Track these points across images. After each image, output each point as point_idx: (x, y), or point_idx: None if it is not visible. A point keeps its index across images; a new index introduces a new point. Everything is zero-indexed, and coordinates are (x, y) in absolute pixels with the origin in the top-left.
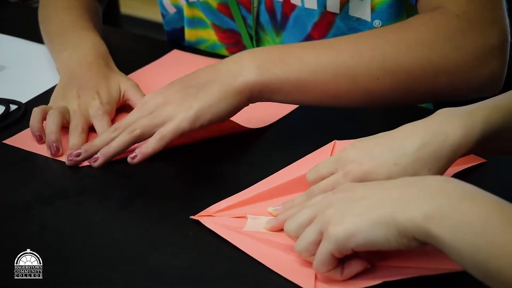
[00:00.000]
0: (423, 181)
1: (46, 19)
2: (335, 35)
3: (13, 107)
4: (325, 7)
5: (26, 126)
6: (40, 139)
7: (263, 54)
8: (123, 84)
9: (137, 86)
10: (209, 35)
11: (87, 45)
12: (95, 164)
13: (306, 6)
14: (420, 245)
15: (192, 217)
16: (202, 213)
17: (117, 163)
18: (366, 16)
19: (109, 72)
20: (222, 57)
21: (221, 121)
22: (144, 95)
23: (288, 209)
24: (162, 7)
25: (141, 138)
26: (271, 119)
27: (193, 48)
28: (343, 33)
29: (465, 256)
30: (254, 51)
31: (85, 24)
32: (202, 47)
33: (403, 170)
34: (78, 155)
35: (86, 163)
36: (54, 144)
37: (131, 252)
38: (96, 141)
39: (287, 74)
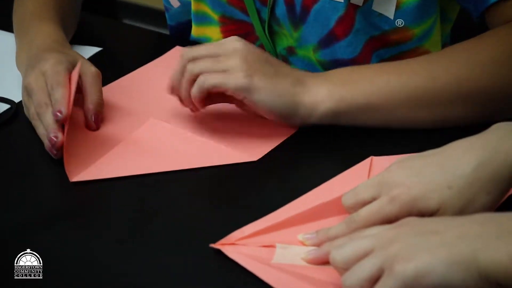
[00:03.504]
0: (505, 216)
1: (14, 9)
2: (357, 32)
3: (3, 106)
4: None
5: (18, 127)
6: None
7: (334, 76)
8: (84, 65)
9: (98, 76)
10: (213, 33)
11: (41, 37)
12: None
13: None
14: None
15: (212, 245)
16: (223, 240)
17: (128, 181)
18: (389, 13)
19: (65, 49)
20: None
21: (267, 114)
22: (100, 88)
23: (327, 238)
24: (166, 0)
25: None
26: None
27: (196, 44)
28: (363, 30)
29: None
30: (326, 73)
31: (46, 14)
32: None
33: (458, 194)
34: (56, 138)
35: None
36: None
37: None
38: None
39: (357, 98)
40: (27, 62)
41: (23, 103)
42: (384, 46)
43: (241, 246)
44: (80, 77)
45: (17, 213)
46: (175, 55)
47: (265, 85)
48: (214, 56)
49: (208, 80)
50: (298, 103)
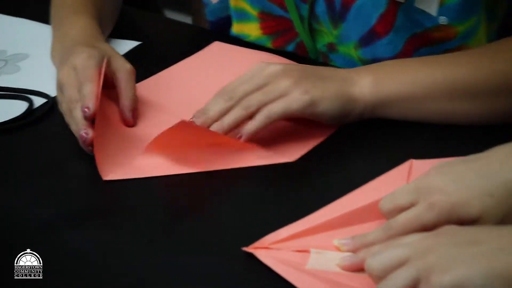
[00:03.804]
0: None
1: (52, 1)
2: (398, 29)
3: (40, 100)
4: None
5: (54, 121)
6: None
7: (380, 68)
8: (115, 61)
9: (133, 73)
10: (251, 30)
11: (75, 31)
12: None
13: None
14: None
15: (245, 248)
16: (256, 244)
17: (159, 179)
18: (432, 9)
19: (99, 43)
20: (266, 49)
21: (327, 121)
22: (134, 86)
23: (363, 244)
24: None
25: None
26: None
27: (235, 39)
28: (405, 27)
29: None
30: (372, 65)
31: (82, 7)
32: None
33: (500, 203)
34: (86, 134)
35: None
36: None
37: None
38: (210, 111)
39: (401, 89)
40: (60, 56)
41: (57, 98)
42: (426, 44)
43: (275, 251)
44: (114, 73)
45: (44, 209)
46: (214, 51)
47: (322, 94)
48: (260, 87)
49: (273, 110)
50: (353, 100)
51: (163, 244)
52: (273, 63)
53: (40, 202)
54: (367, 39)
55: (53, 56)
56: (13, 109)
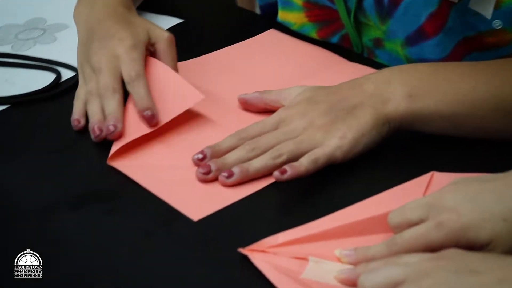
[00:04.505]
0: None
1: None
2: (449, 31)
3: (67, 73)
4: None
5: None
6: (79, 123)
7: (415, 78)
8: (153, 32)
9: (171, 40)
10: (297, 18)
11: (103, 1)
12: (229, 181)
13: None
14: None
15: (241, 250)
16: (254, 246)
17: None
18: (487, 12)
19: (133, 17)
20: (314, 41)
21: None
22: (174, 53)
23: (364, 257)
24: None
25: (285, 164)
26: None
27: (287, 28)
28: (456, 29)
29: None
30: (405, 70)
31: None
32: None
33: None
34: (114, 126)
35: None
36: (96, 125)
37: (156, 285)
38: (229, 159)
39: (440, 106)
40: (88, 25)
41: (79, 71)
42: (478, 49)
43: (271, 255)
44: (153, 45)
45: (47, 188)
46: (268, 39)
47: (359, 131)
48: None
49: (317, 156)
50: (388, 121)
51: (161, 236)
52: (296, 111)
53: (44, 181)
54: (414, 38)
55: (77, 16)
56: (41, 80)
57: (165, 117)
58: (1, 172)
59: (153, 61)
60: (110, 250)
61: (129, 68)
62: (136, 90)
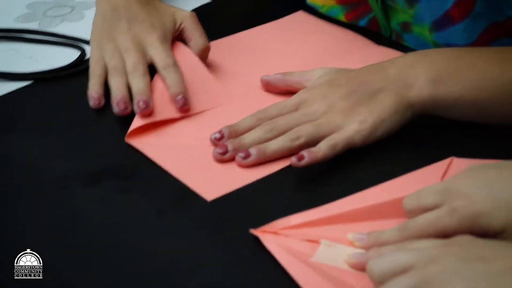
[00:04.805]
0: None
1: None
2: (477, 15)
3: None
4: None
5: None
6: (99, 103)
7: (440, 63)
8: (178, 14)
9: (194, 18)
10: (325, 1)
11: None
12: (245, 162)
13: None
14: None
15: (253, 231)
16: (266, 227)
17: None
18: None
19: (158, 3)
20: (342, 24)
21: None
22: (201, 29)
23: (377, 242)
24: None
25: (303, 147)
26: None
27: (315, 11)
28: (484, 14)
29: None
30: (429, 55)
31: None
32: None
33: None
34: (146, 103)
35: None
36: (122, 100)
37: (166, 265)
38: (246, 139)
39: (464, 92)
40: (113, 2)
41: (96, 46)
42: (506, 35)
43: (283, 237)
44: (180, 25)
45: (62, 164)
46: (296, 20)
47: (381, 117)
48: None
49: (336, 141)
50: (411, 106)
51: (173, 216)
52: (317, 94)
53: (61, 157)
54: (441, 22)
55: None
56: (65, 57)
57: (195, 108)
58: (20, 147)
59: (184, 50)
60: (119, 226)
61: (165, 55)
62: (172, 75)
